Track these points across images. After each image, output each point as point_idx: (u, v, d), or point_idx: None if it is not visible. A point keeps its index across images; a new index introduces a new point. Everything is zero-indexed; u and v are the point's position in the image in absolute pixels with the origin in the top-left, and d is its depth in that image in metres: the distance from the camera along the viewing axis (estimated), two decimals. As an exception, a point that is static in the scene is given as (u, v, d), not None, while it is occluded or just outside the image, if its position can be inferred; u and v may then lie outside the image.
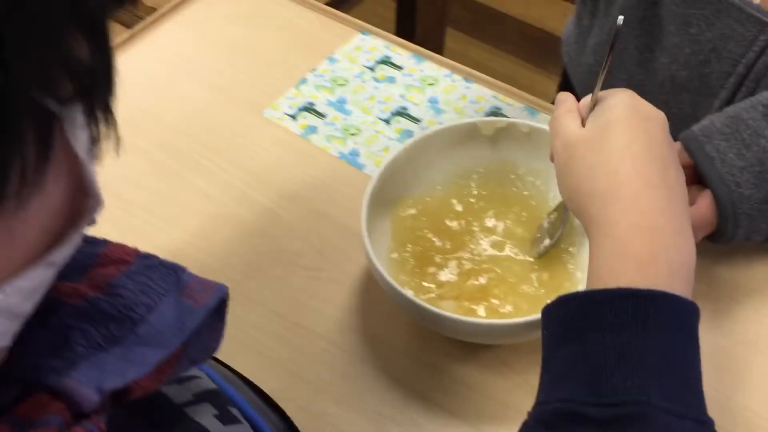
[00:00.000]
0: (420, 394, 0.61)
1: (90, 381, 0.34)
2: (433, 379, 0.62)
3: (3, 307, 0.30)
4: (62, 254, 0.33)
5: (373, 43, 0.87)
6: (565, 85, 0.93)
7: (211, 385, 0.47)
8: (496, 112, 0.80)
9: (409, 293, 0.58)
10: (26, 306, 0.32)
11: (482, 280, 0.63)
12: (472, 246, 0.66)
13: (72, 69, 0.27)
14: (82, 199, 0.32)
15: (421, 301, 0.58)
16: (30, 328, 0.35)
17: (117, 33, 1.00)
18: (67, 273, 0.38)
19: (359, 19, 0.91)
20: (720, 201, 0.61)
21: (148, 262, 0.40)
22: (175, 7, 0.90)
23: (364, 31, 0.88)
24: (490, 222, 0.67)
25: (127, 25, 0.91)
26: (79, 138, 0.29)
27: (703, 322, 0.46)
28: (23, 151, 0.26)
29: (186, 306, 0.40)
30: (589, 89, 0.57)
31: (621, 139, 0.50)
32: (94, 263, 0.40)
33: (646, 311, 0.43)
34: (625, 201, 0.48)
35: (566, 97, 0.57)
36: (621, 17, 0.52)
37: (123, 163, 0.65)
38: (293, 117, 0.80)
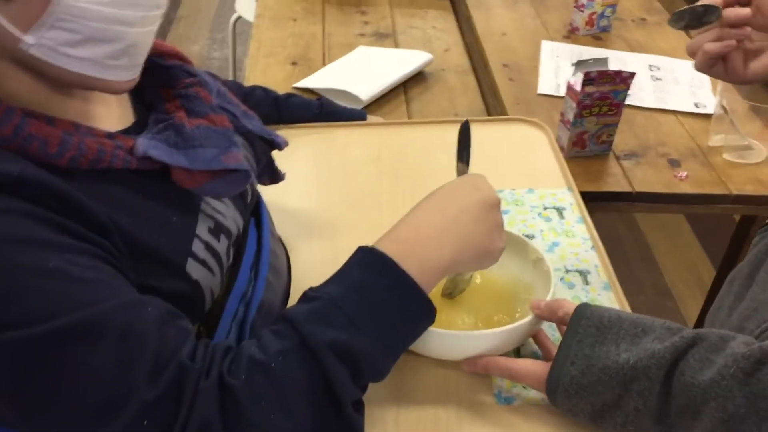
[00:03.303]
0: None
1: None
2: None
3: (52, 39, 0.64)
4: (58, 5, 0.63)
5: (564, 196, 1.20)
6: None
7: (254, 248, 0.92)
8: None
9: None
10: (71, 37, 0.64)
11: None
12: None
13: None
14: None
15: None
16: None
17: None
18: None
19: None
20: (555, 363, 0.75)
21: (240, 140, 0.89)
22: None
23: (569, 188, 1.22)
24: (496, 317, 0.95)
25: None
26: None
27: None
28: None
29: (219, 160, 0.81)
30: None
31: (445, 191, 0.80)
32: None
33: (373, 263, 0.72)
34: (414, 217, 0.78)
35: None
36: (467, 119, 0.85)
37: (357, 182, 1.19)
38: (474, 204, 1.19)
